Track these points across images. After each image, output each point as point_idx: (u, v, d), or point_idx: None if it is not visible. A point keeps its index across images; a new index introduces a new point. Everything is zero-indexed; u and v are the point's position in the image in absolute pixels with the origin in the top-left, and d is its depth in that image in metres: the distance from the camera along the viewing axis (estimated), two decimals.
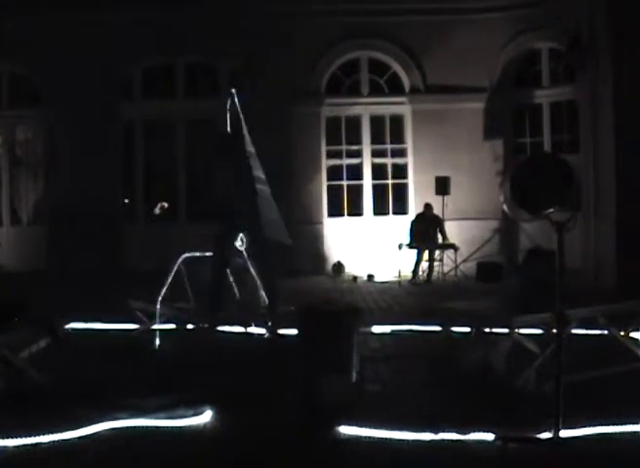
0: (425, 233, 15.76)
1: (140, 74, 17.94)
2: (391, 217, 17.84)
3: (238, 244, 9.79)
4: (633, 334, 7.37)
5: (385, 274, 16.25)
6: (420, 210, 16.33)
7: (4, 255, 17.33)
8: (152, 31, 16.63)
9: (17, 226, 18.36)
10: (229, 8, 16.53)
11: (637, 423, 5.26)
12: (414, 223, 16.12)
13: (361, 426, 5.37)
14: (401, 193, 18.05)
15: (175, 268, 9.40)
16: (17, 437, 5.15)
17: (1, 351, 6.11)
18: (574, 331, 6.98)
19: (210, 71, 17.88)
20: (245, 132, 9.91)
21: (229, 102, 10.27)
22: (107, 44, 16.58)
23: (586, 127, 15.35)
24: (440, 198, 16.25)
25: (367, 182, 18.05)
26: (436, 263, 16.04)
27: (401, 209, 17.93)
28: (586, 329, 7.78)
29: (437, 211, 16.09)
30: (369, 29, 17.38)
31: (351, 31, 17.37)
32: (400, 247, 15.75)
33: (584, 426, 5.15)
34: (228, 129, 10.25)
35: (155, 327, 8.93)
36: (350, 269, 16.84)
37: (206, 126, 17.13)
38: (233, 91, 10.41)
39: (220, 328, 9.42)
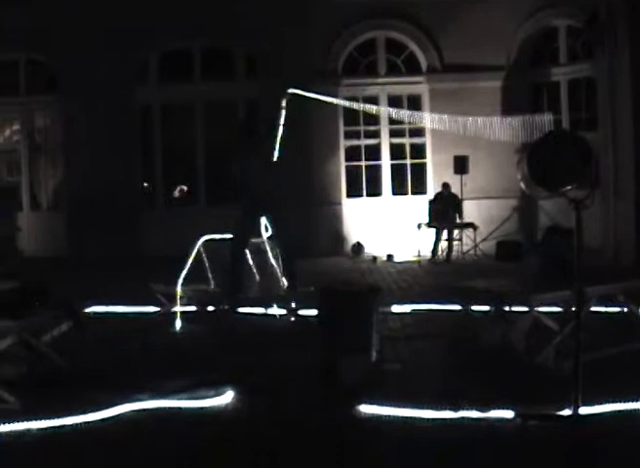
0: (444, 213, 15.72)
1: (157, 58, 17.94)
2: (410, 197, 17.82)
3: (263, 229, 9.84)
4: None
5: (405, 254, 16.26)
6: (439, 189, 16.31)
7: (24, 240, 17.44)
8: (168, 15, 16.62)
9: (36, 211, 18.47)
10: None
11: None
12: (432, 203, 16.08)
13: (381, 405, 5.39)
14: (419, 173, 18.03)
15: (195, 251, 9.45)
16: (40, 419, 5.20)
17: (23, 335, 6.17)
18: (593, 308, 6.99)
19: (227, 54, 17.88)
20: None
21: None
22: (123, 28, 16.59)
23: (604, 103, 15.26)
24: (459, 177, 16.23)
25: (385, 162, 18.03)
26: (455, 243, 16.05)
27: (420, 188, 17.91)
28: (605, 306, 7.78)
29: (456, 190, 16.06)
30: (385, 9, 17.31)
31: (368, 11, 17.30)
32: (419, 226, 15.74)
33: (604, 403, 5.16)
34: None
35: (176, 309, 8.99)
36: (370, 249, 16.85)
37: (225, 109, 17.26)
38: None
39: (240, 309, 9.47)
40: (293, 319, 9.06)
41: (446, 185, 16.04)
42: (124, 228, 16.74)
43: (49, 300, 6.49)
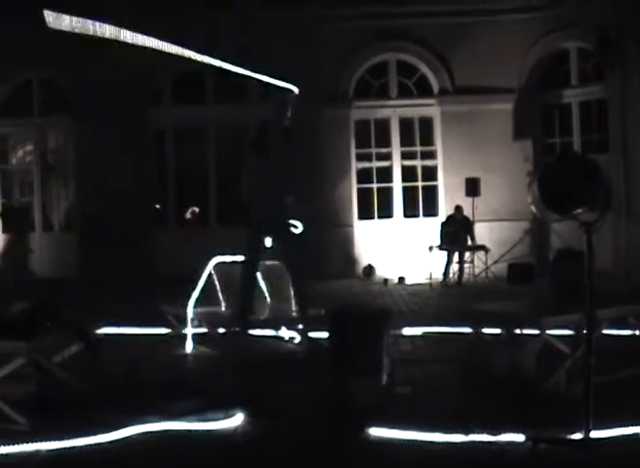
0: (456, 235, 15.70)
1: (170, 80, 18.01)
2: (422, 220, 17.82)
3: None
4: None
5: (416, 276, 16.23)
6: (451, 211, 16.30)
7: (36, 261, 17.48)
8: (181, 38, 16.66)
9: (49, 232, 18.52)
10: (255, 12, 16.54)
11: None
12: (444, 225, 16.07)
13: (392, 428, 5.37)
14: (431, 195, 18.03)
15: (206, 272, 9.44)
16: (49, 440, 5.19)
17: (33, 356, 6.16)
18: (604, 331, 6.95)
19: (239, 76, 17.90)
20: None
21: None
22: (136, 51, 16.62)
23: (616, 126, 15.28)
24: (470, 199, 16.21)
25: (397, 185, 18.03)
26: (467, 265, 16.02)
27: (431, 211, 17.91)
28: (617, 329, 7.74)
29: (467, 212, 16.04)
30: (397, 32, 17.38)
31: (379, 34, 17.38)
32: (431, 249, 15.74)
33: (615, 427, 5.12)
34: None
35: (187, 331, 8.97)
36: (381, 272, 16.84)
37: (237, 131, 17.28)
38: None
39: (251, 331, 9.45)
40: (303, 341, 9.04)
41: (459, 208, 16.03)
42: (136, 249, 16.72)
43: (60, 321, 6.49)
